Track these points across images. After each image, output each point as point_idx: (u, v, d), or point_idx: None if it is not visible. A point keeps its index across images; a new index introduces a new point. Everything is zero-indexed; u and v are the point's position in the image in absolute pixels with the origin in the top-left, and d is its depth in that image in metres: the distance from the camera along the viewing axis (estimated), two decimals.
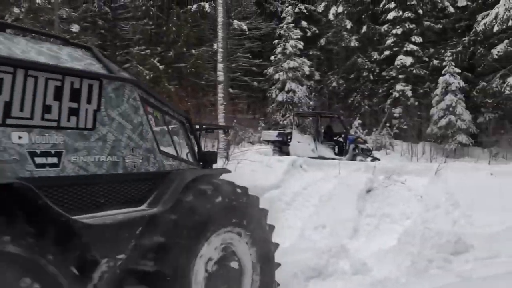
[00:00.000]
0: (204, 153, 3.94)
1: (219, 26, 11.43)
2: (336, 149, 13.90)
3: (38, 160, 2.31)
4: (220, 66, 11.43)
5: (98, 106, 2.66)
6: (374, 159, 13.26)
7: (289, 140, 13.17)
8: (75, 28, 16.98)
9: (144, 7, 18.99)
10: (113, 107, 2.76)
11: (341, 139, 14.04)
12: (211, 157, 3.96)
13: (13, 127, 2.24)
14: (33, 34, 3.47)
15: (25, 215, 2.02)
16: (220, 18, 11.39)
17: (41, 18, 15.46)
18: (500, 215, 7.69)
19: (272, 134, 13.86)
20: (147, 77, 18.15)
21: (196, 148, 3.84)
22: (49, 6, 13.66)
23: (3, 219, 1.88)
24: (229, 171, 3.82)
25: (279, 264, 3.77)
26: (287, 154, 12.26)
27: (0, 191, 1.87)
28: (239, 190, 3.44)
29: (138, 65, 18.34)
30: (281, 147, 13.20)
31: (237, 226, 3.22)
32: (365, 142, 14.88)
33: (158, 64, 18.30)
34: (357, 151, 13.72)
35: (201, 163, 3.83)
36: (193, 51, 19.37)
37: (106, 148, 2.69)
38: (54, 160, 2.39)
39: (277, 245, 3.79)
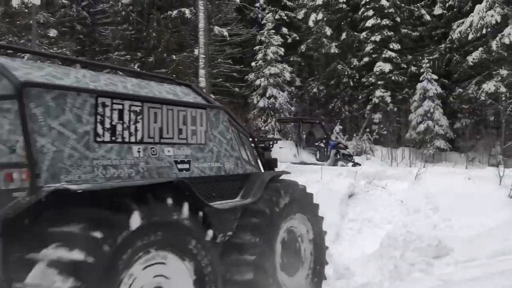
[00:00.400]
0: (268, 160, 4.92)
1: (201, 32, 11.40)
2: (318, 155, 14.00)
3: (179, 166, 3.46)
4: (202, 72, 11.40)
5: (207, 128, 3.81)
6: (355, 164, 13.41)
7: (271, 146, 13.20)
8: (52, 33, 16.66)
9: (123, 12, 18.76)
10: (214, 128, 3.92)
11: (322, 145, 14.15)
12: (273, 163, 4.98)
13: (164, 144, 3.40)
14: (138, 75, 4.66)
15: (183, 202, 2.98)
16: (201, 24, 11.37)
17: (18, 22, 15.14)
18: (479, 218, 7.86)
19: None
20: None
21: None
22: (26, 10, 13.38)
23: (177, 204, 2.91)
24: (289, 173, 4.81)
25: (327, 247, 4.91)
26: None
27: (165, 186, 2.91)
28: (301, 187, 4.56)
29: (118, 71, 18.11)
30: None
31: (300, 213, 4.43)
32: (346, 147, 15.05)
33: (138, 69, 18.11)
34: (338, 157, 13.86)
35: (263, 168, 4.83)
36: (174, 56, 19.23)
37: (213, 157, 3.84)
38: (187, 166, 3.54)
39: (325, 232, 4.93)
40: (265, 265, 3.72)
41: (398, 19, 22.14)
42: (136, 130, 3.18)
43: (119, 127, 3.06)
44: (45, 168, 2.54)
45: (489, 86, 17.76)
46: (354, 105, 23.21)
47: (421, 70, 19.67)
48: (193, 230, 3.02)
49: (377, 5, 21.85)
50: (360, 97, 23.03)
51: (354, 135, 20.43)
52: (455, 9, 21.17)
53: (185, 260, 2.97)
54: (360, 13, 22.81)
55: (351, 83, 23.22)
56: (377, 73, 21.46)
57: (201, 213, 3.14)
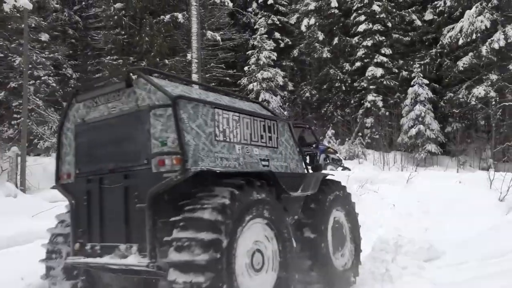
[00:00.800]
0: (316, 165, 6.29)
1: (193, 37, 11.41)
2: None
3: (262, 163, 4.53)
4: (194, 76, 11.40)
5: (277, 135, 4.90)
6: (345, 168, 13.46)
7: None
8: (44, 37, 16.59)
9: (116, 17, 18.72)
10: (282, 135, 4.99)
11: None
12: (319, 167, 6.20)
13: (253, 145, 4.46)
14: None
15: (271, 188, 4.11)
16: (194, 29, 11.38)
17: (9, 26, 15.05)
18: (469, 221, 7.93)
19: None
20: None
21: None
22: (18, 14, 13.31)
23: (269, 188, 4.04)
24: (333, 174, 5.72)
25: (361, 238, 5.73)
26: None
27: (262, 175, 4.06)
28: (343, 186, 5.56)
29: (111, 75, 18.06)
30: None
31: (342, 207, 5.38)
32: (335, 152, 15.11)
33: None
34: (328, 161, 13.93)
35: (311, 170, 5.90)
36: (167, 61, 19.23)
37: (282, 158, 4.90)
38: (267, 163, 4.60)
39: (360, 225, 5.80)
40: (321, 243, 4.73)
41: (389, 24, 22.34)
42: (236, 133, 4.28)
43: (227, 131, 4.15)
44: (190, 156, 3.54)
45: (479, 90, 17.96)
46: (347, 110, 23.34)
47: (412, 75, 19.85)
48: (278, 208, 4.07)
49: (368, 11, 22.05)
50: (352, 101, 23.15)
51: (347, 139, 20.52)
52: (445, 15, 21.41)
53: (273, 230, 3.98)
54: (352, 18, 22.98)
55: (343, 87, 23.35)
56: (369, 77, 21.60)
57: (281, 197, 4.24)
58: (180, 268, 3.24)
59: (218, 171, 3.70)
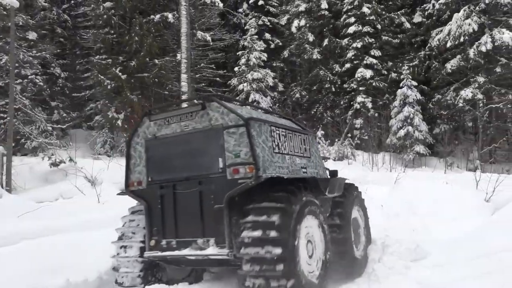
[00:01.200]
0: (332, 171, 6.61)
1: (183, 37, 11.36)
2: None
3: (302, 170, 5.35)
4: (183, 76, 11.35)
5: (309, 146, 5.82)
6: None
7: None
8: (32, 35, 16.39)
9: (105, 16, 18.53)
10: (312, 146, 5.93)
11: None
12: (335, 172, 6.59)
13: (296, 156, 5.31)
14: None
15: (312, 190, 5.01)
16: (184, 29, 11.33)
17: None
18: (456, 222, 8.03)
19: None
20: (109, 87, 17.72)
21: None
22: (5, 12, 13.12)
23: (313, 190, 5.02)
24: (347, 179, 6.57)
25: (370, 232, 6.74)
26: None
27: (309, 180, 5.11)
28: (357, 187, 6.70)
29: (99, 75, 17.88)
30: None
31: (359, 206, 6.50)
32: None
33: (120, 73, 17.90)
34: None
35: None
36: (156, 61, 19.10)
37: (314, 166, 5.76)
38: (305, 170, 5.43)
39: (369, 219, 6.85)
40: (349, 238, 5.74)
41: (379, 26, 22.49)
42: (285, 146, 5.13)
43: (280, 144, 5.01)
44: (260, 166, 4.37)
45: (466, 92, 18.17)
46: (336, 111, 23.43)
47: (401, 77, 19.99)
48: (319, 206, 4.97)
49: (358, 13, 22.18)
50: (342, 102, 23.26)
51: (336, 140, 20.59)
52: (434, 17, 21.61)
53: (319, 226, 4.91)
54: (342, 20, 23.09)
55: (333, 88, 23.44)
56: (358, 79, 21.72)
57: (320, 197, 5.22)
58: (254, 261, 4.09)
59: (285, 177, 4.60)
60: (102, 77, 17.82)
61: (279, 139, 5.00)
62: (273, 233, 4.08)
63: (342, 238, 5.61)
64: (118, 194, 5.65)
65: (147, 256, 4.89)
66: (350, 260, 5.60)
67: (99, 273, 5.68)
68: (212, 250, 4.44)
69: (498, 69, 17.91)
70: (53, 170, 10.38)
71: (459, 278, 4.77)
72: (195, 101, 5.42)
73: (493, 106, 18.17)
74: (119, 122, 17.57)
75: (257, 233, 4.11)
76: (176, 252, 4.67)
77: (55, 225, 7.14)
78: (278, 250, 4.00)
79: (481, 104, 18.66)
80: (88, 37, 20.56)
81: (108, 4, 18.68)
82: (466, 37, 18.40)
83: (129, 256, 5.10)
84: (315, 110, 24.24)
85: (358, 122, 21.42)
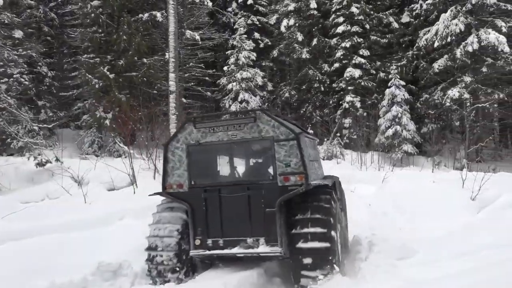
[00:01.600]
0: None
1: (171, 36, 11.29)
2: None
3: (319, 173, 6.19)
4: (171, 75, 11.28)
5: (317, 151, 6.49)
6: None
7: None
8: (18, 34, 16.15)
9: (93, 14, 18.33)
10: (316, 150, 6.55)
11: None
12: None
13: (314, 161, 5.80)
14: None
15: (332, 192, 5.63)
16: (171, 28, 11.27)
17: None
18: (442, 220, 8.10)
19: None
20: (96, 86, 17.56)
21: None
22: None
23: (330, 194, 5.41)
24: (337, 177, 7.19)
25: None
26: None
27: (320, 188, 5.32)
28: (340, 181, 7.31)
29: (87, 74, 17.70)
30: None
31: (340, 196, 7.10)
32: None
33: (108, 73, 17.74)
34: None
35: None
36: (145, 60, 18.97)
37: (320, 167, 6.49)
38: (320, 173, 6.34)
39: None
40: (344, 221, 6.93)
41: (367, 26, 22.59)
42: (310, 153, 5.54)
43: (310, 153, 5.61)
44: (308, 174, 5.02)
45: (453, 92, 18.34)
46: (325, 110, 23.51)
47: (390, 76, 20.11)
48: (337, 201, 5.82)
49: (347, 12, 22.26)
50: (330, 102, 23.33)
51: (325, 139, 20.66)
52: (422, 18, 21.77)
53: (345, 215, 6.74)
54: (331, 19, 23.16)
55: (322, 88, 23.51)
56: (347, 78, 21.81)
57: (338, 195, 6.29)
58: (310, 253, 4.87)
59: (330, 185, 5.48)
60: (89, 76, 17.65)
61: (307, 147, 5.49)
62: (324, 229, 4.91)
63: (344, 226, 7.26)
64: (151, 195, 5.73)
65: (193, 255, 5.28)
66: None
67: (84, 274, 5.62)
68: (264, 249, 4.98)
69: (484, 69, 18.12)
70: (39, 170, 10.25)
71: (445, 275, 4.81)
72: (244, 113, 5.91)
73: (480, 105, 18.38)
74: (107, 121, 17.41)
75: (309, 231, 4.92)
76: (225, 251, 5.09)
77: (40, 226, 7.05)
78: (328, 244, 4.88)
79: (468, 104, 18.86)
80: (75, 35, 20.35)
81: (95, 2, 18.49)
82: (453, 37, 18.58)
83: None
84: (304, 110, 24.29)
85: (347, 121, 21.51)
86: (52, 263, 5.85)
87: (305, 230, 4.95)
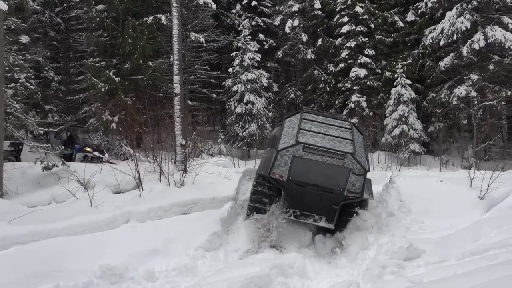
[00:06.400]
0: None
1: (175, 38, 11.29)
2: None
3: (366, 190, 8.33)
4: (176, 78, 11.27)
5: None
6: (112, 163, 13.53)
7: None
8: (24, 39, 16.30)
9: (98, 19, 18.47)
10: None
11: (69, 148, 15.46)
12: None
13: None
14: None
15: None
16: (175, 30, 11.27)
17: None
18: (449, 220, 8.01)
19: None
20: (102, 90, 17.66)
21: None
22: None
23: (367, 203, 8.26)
24: (370, 180, 9.37)
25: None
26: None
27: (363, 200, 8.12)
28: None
29: (93, 78, 17.83)
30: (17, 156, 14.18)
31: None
32: (96, 149, 15.37)
33: (113, 76, 17.86)
34: (88, 159, 14.48)
35: None
36: (150, 63, 19.07)
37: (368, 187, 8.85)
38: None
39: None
40: None
41: (372, 26, 22.50)
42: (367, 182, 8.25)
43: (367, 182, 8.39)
44: (363, 194, 7.79)
45: (460, 90, 18.19)
46: (331, 110, 23.42)
47: (395, 75, 19.99)
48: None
49: (351, 12, 22.20)
50: (336, 102, 23.25)
51: None
52: (427, 16, 21.62)
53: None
54: (335, 19, 23.09)
55: (328, 88, 23.44)
56: (352, 78, 21.73)
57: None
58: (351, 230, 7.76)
59: (371, 200, 8.35)
60: (95, 79, 17.76)
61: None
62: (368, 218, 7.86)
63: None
64: (258, 175, 8.20)
65: (282, 217, 7.68)
66: None
67: (90, 277, 5.62)
68: (324, 224, 7.73)
69: (491, 67, 17.93)
70: (46, 174, 10.29)
71: (452, 276, 4.75)
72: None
73: (487, 103, 18.19)
74: (114, 125, 17.51)
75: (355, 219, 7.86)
76: (301, 219, 7.78)
77: (46, 230, 7.07)
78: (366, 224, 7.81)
79: (475, 102, 18.68)
80: (81, 40, 20.51)
81: (100, 6, 18.63)
82: (459, 35, 18.42)
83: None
84: (311, 109, 24.18)
85: (353, 121, 21.39)
86: (57, 266, 5.85)
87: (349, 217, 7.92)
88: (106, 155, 15.02)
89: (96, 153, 14.83)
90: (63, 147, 12.91)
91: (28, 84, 13.19)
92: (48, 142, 16.24)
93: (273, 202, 8.09)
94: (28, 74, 14.80)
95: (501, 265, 4.87)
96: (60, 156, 12.96)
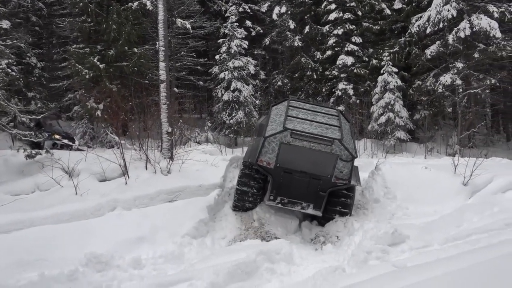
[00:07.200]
0: None
1: (160, 24, 11.09)
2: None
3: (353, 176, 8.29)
4: (162, 65, 11.11)
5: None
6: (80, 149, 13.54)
7: None
8: (5, 24, 15.84)
9: (81, 4, 18.03)
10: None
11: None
12: None
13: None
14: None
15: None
16: (161, 16, 11.07)
17: None
18: (433, 206, 8.13)
19: None
20: (87, 76, 17.36)
21: None
22: None
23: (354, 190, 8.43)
24: (357, 167, 9.34)
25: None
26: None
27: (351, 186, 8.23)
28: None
29: (77, 64, 17.49)
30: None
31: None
32: (65, 137, 15.32)
33: (98, 63, 17.55)
34: (57, 146, 14.44)
35: None
36: (135, 49, 18.78)
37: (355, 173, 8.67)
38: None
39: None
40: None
41: (359, 13, 22.46)
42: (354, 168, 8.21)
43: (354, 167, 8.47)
44: (351, 180, 7.79)
45: (446, 78, 18.33)
46: (318, 98, 23.45)
47: (382, 63, 20.05)
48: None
49: None
50: (323, 89, 23.26)
51: None
52: (414, 4, 21.65)
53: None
54: (322, 6, 22.98)
55: (315, 76, 23.42)
56: (339, 66, 21.74)
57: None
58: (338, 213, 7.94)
59: (358, 185, 8.47)
60: (79, 66, 17.43)
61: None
62: (348, 207, 7.95)
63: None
64: (245, 162, 8.28)
65: (267, 203, 7.92)
66: None
67: (75, 265, 5.58)
68: (311, 211, 7.78)
69: (476, 55, 18.08)
70: (29, 162, 10.11)
71: (435, 260, 4.82)
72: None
73: (472, 91, 18.38)
74: (99, 112, 17.26)
75: (336, 208, 7.96)
76: (288, 206, 7.81)
77: (30, 218, 6.97)
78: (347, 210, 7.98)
79: (460, 90, 18.87)
80: (64, 25, 20.06)
81: None
82: (445, 23, 18.50)
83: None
84: (297, 98, 24.19)
85: (340, 109, 21.46)
86: (42, 255, 5.80)
87: (336, 207, 7.95)
88: (76, 142, 14.82)
89: (66, 141, 14.58)
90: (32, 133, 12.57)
91: (10, 71, 12.87)
92: (31, 130, 15.95)
93: (260, 187, 8.14)
94: (10, 60, 14.44)
95: (483, 249, 4.97)
96: (27, 143, 12.69)
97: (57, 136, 15.15)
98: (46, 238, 6.22)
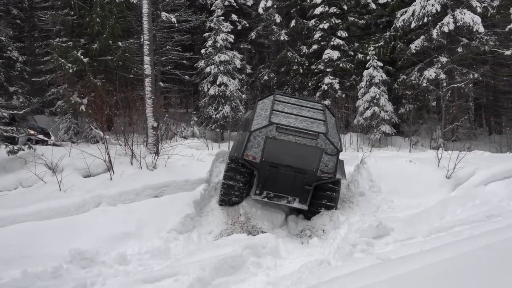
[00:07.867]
0: None
1: (144, 18, 10.96)
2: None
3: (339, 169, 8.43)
4: (146, 59, 10.99)
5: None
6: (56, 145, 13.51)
7: None
8: None
9: None
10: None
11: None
12: None
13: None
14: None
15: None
16: (145, 9, 10.93)
17: None
18: (417, 199, 8.24)
19: None
20: (70, 71, 17.09)
21: None
22: None
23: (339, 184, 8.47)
24: (343, 161, 9.62)
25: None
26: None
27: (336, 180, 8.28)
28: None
29: (60, 58, 17.20)
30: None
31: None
32: (40, 132, 15.12)
33: (81, 57, 17.29)
34: (33, 142, 14.20)
35: None
36: (120, 43, 18.55)
37: (341, 167, 8.89)
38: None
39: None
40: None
41: (345, 7, 22.53)
42: (340, 161, 8.49)
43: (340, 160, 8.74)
44: (336, 174, 7.81)
45: (430, 73, 18.54)
46: (304, 92, 23.51)
47: (367, 58, 20.17)
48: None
49: None
50: (309, 84, 23.32)
51: None
52: None
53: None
54: (308, 0, 22.97)
55: (301, 70, 23.45)
56: (325, 60, 21.80)
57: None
58: (324, 207, 8.01)
59: (343, 179, 8.49)
60: (62, 60, 17.15)
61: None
62: (334, 201, 8.03)
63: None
64: (231, 157, 8.31)
65: (253, 198, 7.94)
66: None
67: (59, 262, 5.52)
68: (297, 205, 7.85)
69: (459, 49, 18.32)
70: (12, 158, 9.93)
71: (418, 252, 4.89)
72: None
73: (455, 85, 18.63)
74: (83, 107, 17.04)
75: (321, 201, 8.04)
76: (274, 200, 7.89)
77: (13, 215, 6.86)
78: (333, 204, 8.05)
79: (444, 84, 19.10)
80: (46, 18, 19.70)
81: None
82: (430, 18, 18.68)
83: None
84: (283, 92, 24.21)
85: (326, 103, 21.56)
86: (25, 252, 5.71)
87: (321, 201, 8.03)
88: (52, 137, 14.57)
89: (41, 136, 14.32)
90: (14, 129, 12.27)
91: None
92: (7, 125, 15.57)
93: (246, 181, 8.16)
94: None
95: (465, 240, 5.05)
96: (1, 139, 12.43)
97: (32, 132, 14.81)
98: (29, 234, 6.13)
